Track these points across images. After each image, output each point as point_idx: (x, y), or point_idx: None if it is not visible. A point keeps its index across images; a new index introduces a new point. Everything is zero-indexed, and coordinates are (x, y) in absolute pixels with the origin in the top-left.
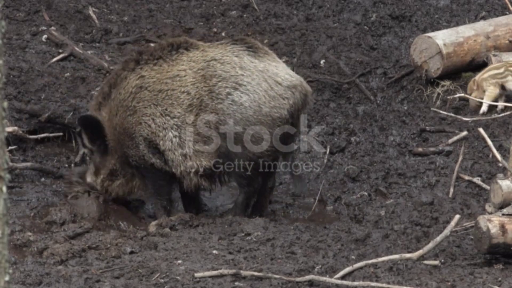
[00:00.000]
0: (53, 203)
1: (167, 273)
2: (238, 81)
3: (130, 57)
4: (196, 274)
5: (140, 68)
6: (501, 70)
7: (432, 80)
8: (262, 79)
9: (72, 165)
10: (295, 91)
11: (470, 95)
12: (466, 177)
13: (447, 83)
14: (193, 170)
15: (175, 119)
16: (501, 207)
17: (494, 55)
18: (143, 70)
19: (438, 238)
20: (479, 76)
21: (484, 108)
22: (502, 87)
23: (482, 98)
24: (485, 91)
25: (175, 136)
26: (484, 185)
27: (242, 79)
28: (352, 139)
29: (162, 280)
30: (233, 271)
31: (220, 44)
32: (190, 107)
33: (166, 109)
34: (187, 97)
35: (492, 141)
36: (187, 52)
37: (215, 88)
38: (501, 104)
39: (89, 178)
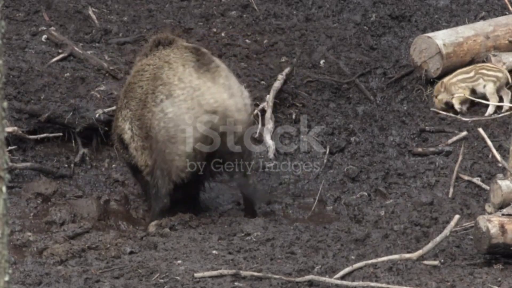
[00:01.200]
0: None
1: (167, 273)
2: (171, 90)
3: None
4: (196, 274)
5: (135, 64)
6: (471, 74)
7: (432, 80)
8: (190, 96)
9: (72, 165)
10: (215, 116)
11: (436, 96)
12: (466, 177)
13: None
14: (142, 167)
15: (131, 112)
16: (500, 207)
17: (494, 55)
18: (135, 66)
19: (438, 238)
20: (447, 79)
21: (490, 110)
22: (473, 91)
23: (449, 101)
24: (453, 94)
25: (129, 129)
26: (484, 185)
27: (175, 90)
28: (352, 139)
29: (162, 280)
30: (233, 271)
31: (183, 48)
32: (140, 101)
33: (127, 102)
34: (140, 92)
35: (492, 141)
36: (163, 48)
37: (156, 91)
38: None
39: None
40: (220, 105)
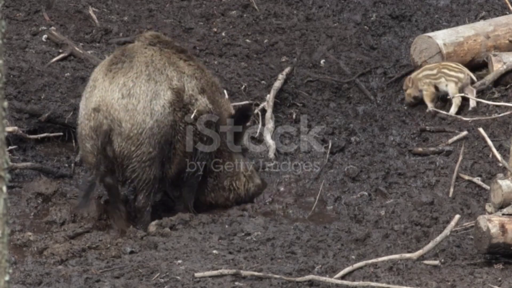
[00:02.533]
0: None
1: (167, 273)
2: (84, 88)
3: None
4: (196, 274)
5: None
6: (434, 71)
7: None
8: (86, 94)
9: (72, 164)
10: (98, 114)
11: (405, 91)
12: (466, 177)
13: None
14: None
15: None
16: (501, 207)
17: (494, 55)
18: None
19: (438, 238)
20: (415, 75)
21: (452, 110)
22: (436, 88)
23: (417, 96)
24: (420, 90)
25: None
26: (484, 185)
27: (85, 88)
28: (352, 139)
29: (162, 280)
30: (233, 271)
31: (127, 48)
32: None
33: None
34: None
35: (492, 141)
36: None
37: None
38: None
39: None
40: (104, 104)
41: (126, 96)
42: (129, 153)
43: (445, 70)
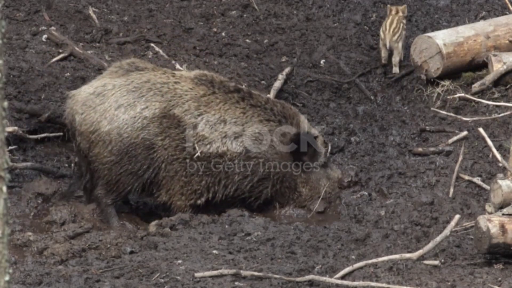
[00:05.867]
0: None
1: (167, 273)
2: None
3: None
4: (196, 274)
5: None
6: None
7: (432, 80)
8: None
9: (72, 164)
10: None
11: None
12: (466, 177)
13: (447, 83)
14: None
15: None
16: (501, 207)
17: (494, 55)
18: None
19: (438, 238)
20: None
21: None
22: None
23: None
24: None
25: None
26: (484, 185)
27: None
28: (352, 139)
29: (162, 280)
30: (233, 271)
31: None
32: None
33: None
34: None
35: (492, 141)
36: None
37: None
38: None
39: None
40: (69, 115)
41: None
42: (93, 164)
43: None
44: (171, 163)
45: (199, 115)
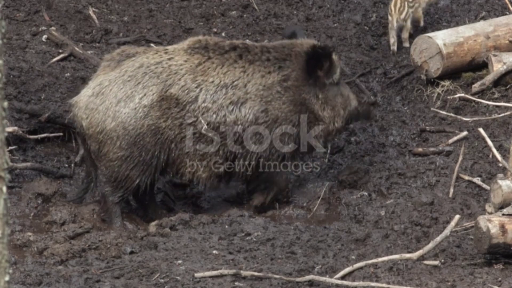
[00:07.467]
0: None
1: (167, 273)
2: None
3: None
4: (196, 274)
5: None
6: None
7: (432, 80)
8: None
9: (72, 165)
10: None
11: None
12: (466, 177)
13: (447, 83)
14: None
15: None
16: (501, 207)
17: (494, 55)
18: None
19: (438, 238)
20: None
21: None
22: None
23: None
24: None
25: None
26: (484, 185)
27: None
28: (352, 139)
29: (162, 280)
30: (233, 271)
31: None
32: None
33: None
34: None
35: (492, 141)
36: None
37: None
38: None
39: None
40: (77, 123)
41: (92, 96)
42: (94, 155)
43: None
44: (181, 141)
45: (197, 87)
